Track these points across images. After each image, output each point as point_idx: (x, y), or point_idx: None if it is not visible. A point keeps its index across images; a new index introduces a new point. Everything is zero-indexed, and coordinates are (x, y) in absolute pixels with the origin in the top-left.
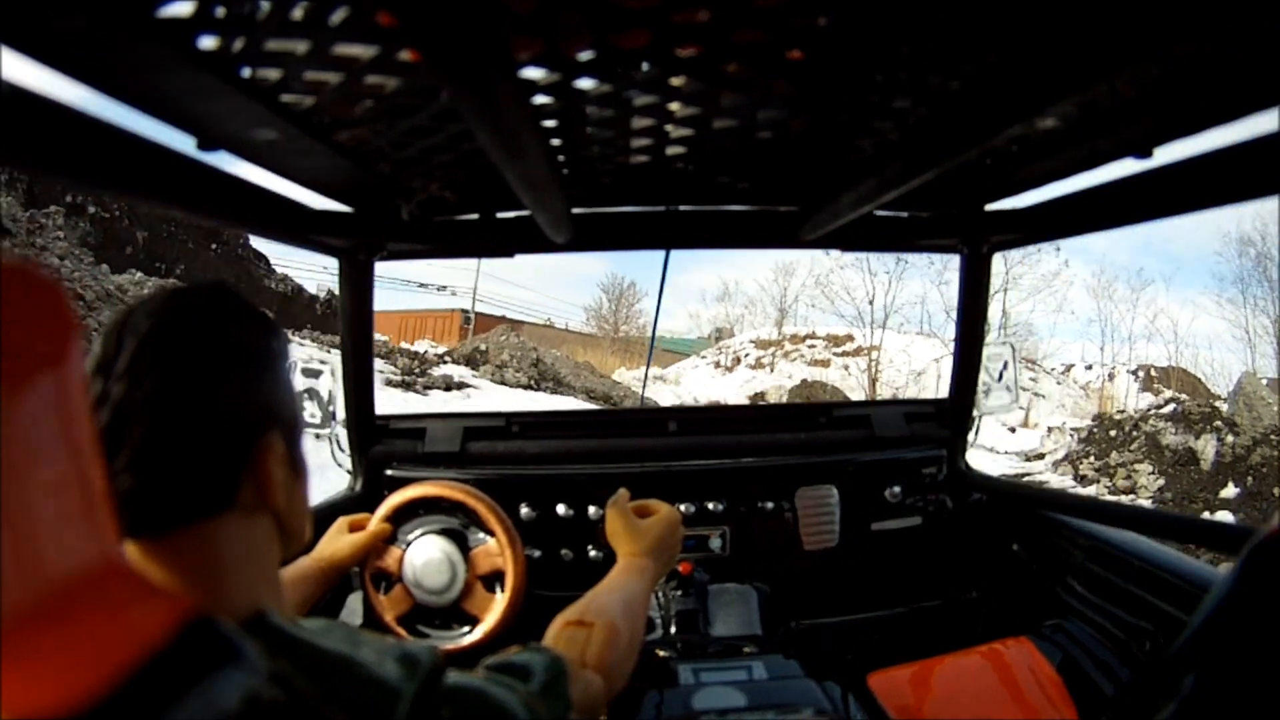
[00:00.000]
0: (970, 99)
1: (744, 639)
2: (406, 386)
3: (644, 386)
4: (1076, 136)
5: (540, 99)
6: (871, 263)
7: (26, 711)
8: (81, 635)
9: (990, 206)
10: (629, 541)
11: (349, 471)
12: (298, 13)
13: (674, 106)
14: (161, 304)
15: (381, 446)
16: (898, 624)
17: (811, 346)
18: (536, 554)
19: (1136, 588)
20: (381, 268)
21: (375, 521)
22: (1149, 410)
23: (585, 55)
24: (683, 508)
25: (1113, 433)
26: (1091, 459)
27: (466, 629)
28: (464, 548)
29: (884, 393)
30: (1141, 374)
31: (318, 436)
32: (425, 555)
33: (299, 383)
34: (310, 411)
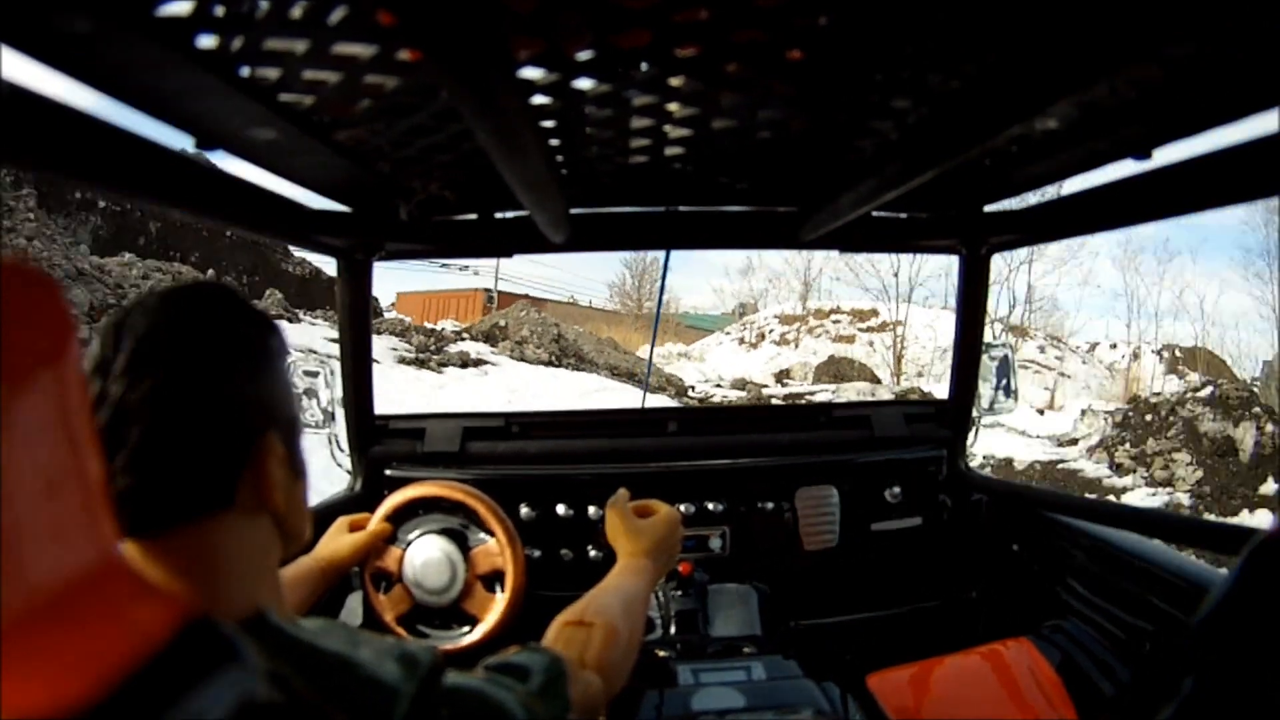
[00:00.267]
0: (970, 99)
1: (743, 639)
2: (420, 364)
3: (645, 387)
4: (1076, 137)
5: (540, 99)
6: None
7: (25, 712)
8: (80, 635)
9: (990, 207)
10: (629, 541)
11: (348, 471)
12: (297, 12)
13: (673, 106)
14: (160, 303)
15: (381, 446)
16: (897, 624)
17: (836, 322)
18: (536, 554)
19: (1136, 588)
20: None
21: (375, 521)
22: (1185, 394)
23: (585, 55)
24: (682, 508)
25: (1148, 417)
26: (1127, 446)
27: (466, 629)
28: (464, 548)
29: (909, 369)
30: (1166, 355)
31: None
32: (425, 555)
33: (299, 382)
34: (310, 411)
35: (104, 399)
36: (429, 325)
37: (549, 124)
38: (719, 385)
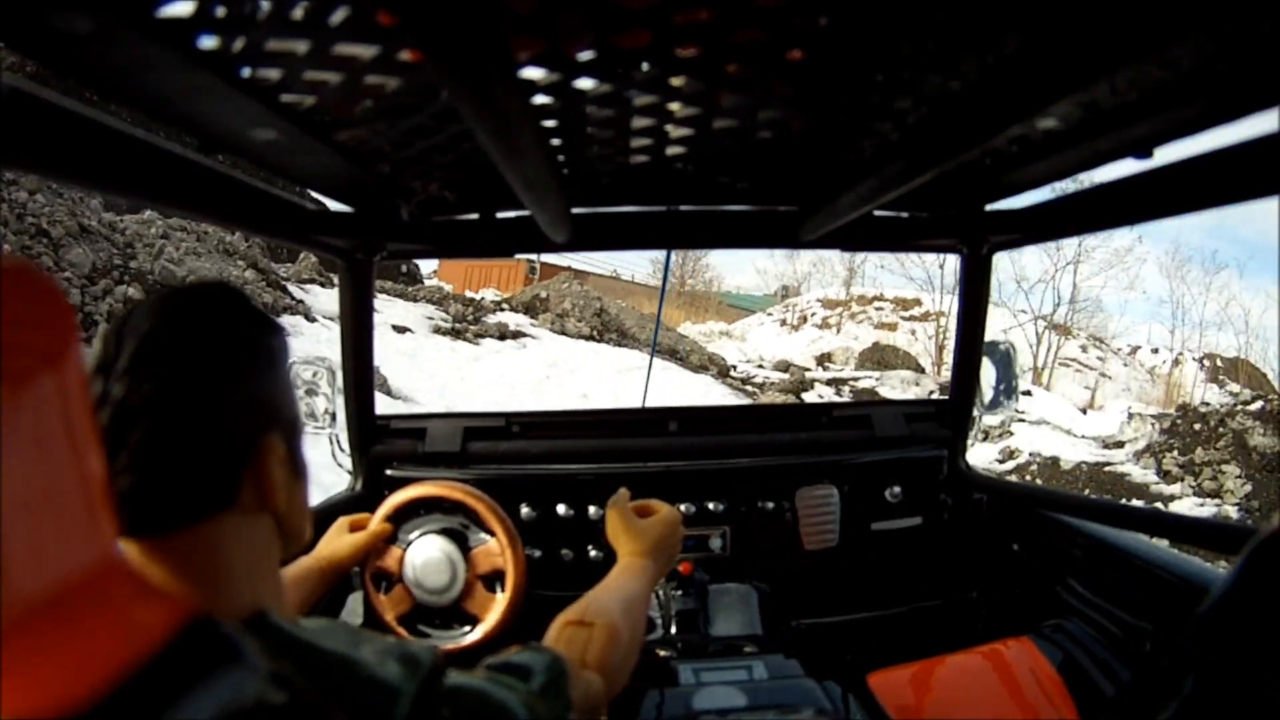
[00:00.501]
0: (970, 99)
1: (744, 639)
2: (456, 334)
3: (645, 387)
4: (1076, 136)
5: (540, 99)
6: None
7: (27, 711)
8: (82, 635)
9: (990, 206)
10: (629, 541)
11: (349, 471)
12: (298, 12)
13: (674, 106)
14: (162, 303)
15: (382, 446)
16: (898, 624)
17: (879, 309)
18: (537, 554)
19: (1137, 588)
20: None
21: (376, 521)
22: (1235, 406)
23: (585, 55)
24: (683, 508)
25: (1197, 426)
26: (1175, 453)
27: (467, 629)
28: (464, 547)
29: (949, 360)
30: (1208, 363)
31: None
32: (425, 555)
33: (299, 382)
34: (310, 411)
35: (106, 399)
36: (469, 294)
37: (550, 124)
38: (761, 366)
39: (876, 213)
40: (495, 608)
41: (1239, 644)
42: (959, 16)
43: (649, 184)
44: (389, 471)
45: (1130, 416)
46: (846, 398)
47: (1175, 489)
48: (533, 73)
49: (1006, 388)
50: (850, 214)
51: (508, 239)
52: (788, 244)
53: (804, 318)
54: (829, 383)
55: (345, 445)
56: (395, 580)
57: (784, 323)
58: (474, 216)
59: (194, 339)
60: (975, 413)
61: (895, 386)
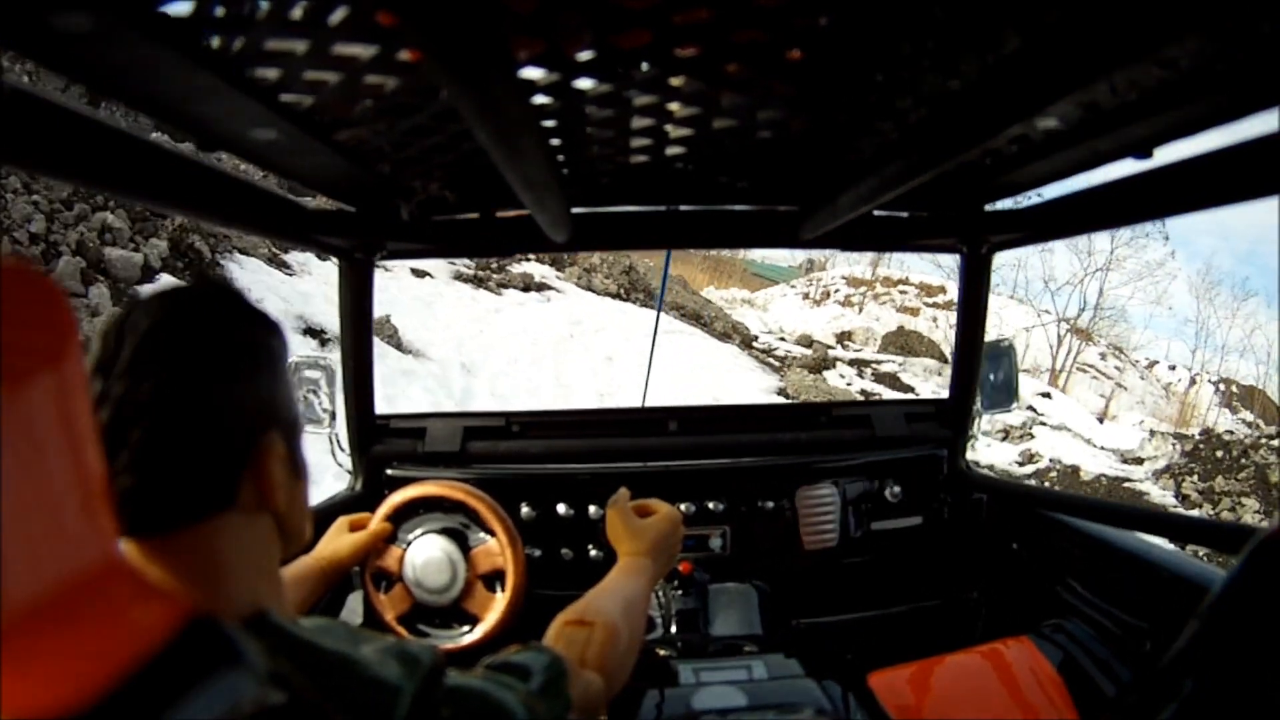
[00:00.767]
0: (970, 99)
1: (744, 638)
2: (479, 282)
3: (645, 387)
4: (1076, 136)
5: (540, 99)
6: None
7: (26, 712)
8: (81, 635)
9: (990, 206)
10: (629, 541)
11: (349, 471)
12: (297, 12)
13: (674, 106)
14: (162, 303)
15: (381, 446)
16: (898, 623)
17: (903, 292)
18: (537, 553)
19: (1137, 588)
20: None
21: (376, 521)
22: (1260, 439)
23: (585, 55)
24: (683, 507)
25: (1219, 454)
26: (1195, 479)
27: (467, 628)
28: (464, 547)
29: None
30: (1224, 388)
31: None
32: (425, 555)
33: (298, 381)
34: (310, 410)
35: (105, 399)
36: None
37: (550, 124)
38: (783, 339)
39: (876, 212)
40: (495, 607)
41: (1239, 644)
42: (959, 16)
43: (649, 184)
44: (389, 471)
45: (1151, 434)
46: (869, 380)
47: (1194, 514)
48: (533, 73)
49: (1007, 387)
50: (850, 213)
51: (508, 239)
52: (788, 244)
53: (827, 293)
54: (851, 363)
55: (345, 445)
56: (395, 580)
57: (807, 296)
58: (474, 216)
59: (194, 338)
60: (975, 412)
61: (918, 374)
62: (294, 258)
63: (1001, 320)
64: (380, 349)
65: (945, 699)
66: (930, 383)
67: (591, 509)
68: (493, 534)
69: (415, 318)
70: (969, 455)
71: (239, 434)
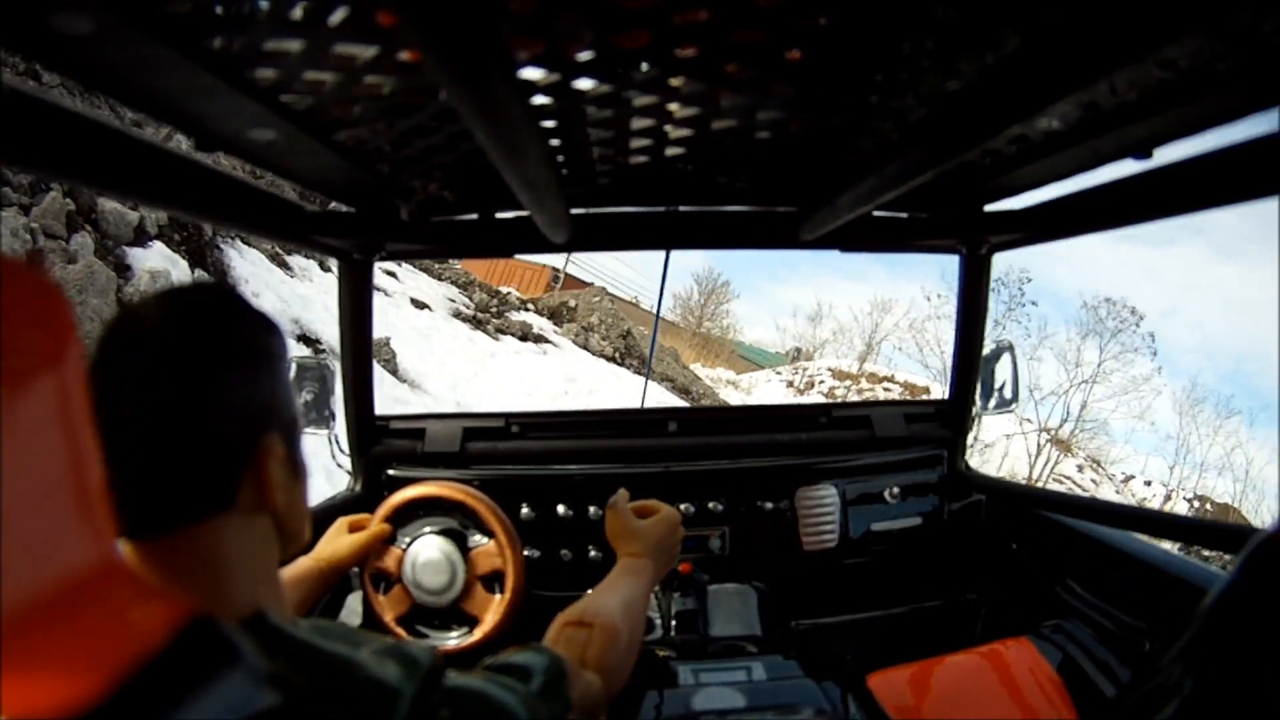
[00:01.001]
0: (970, 99)
1: (743, 639)
2: (477, 324)
3: (645, 387)
4: (1076, 137)
5: (540, 99)
6: None
7: (26, 712)
8: (81, 636)
9: (990, 207)
10: (629, 542)
11: (349, 472)
12: (297, 12)
13: (674, 107)
14: (161, 304)
15: (381, 447)
16: (897, 624)
17: (888, 390)
18: (536, 554)
19: (1136, 588)
20: None
21: (375, 522)
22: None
23: (585, 55)
24: (682, 508)
25: None
26: None
27: (466, 629)
28: (463, 548)
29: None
30: (1198, 504)
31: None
32: (425, 556)
33: (298, 382)
34: (309, 410)
35: (105, 399)
36: (498, 288)
37: (549, 124)
38: None
39: (876, 213)
40: (494, 608)
41: (1239, 644)
42: (959, 16)
43: (649, 184)
44: (388, 472)
45: None
46: None
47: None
48: (533, 73)
49: (1009, 388)
50: (849, 214)
51: (507, 239)
52: (788, 244)
53: (811, 383)
54: None
55: (345, 445)
56: (394, 581)
57: (790, 384)
58: (473, 217)
59: (193, 339)
60: (975, 413)
61: None
62: (296, 260)
63: (983, 425)
64: (377, 372)
65: (945, 699)
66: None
67: (591, 510)
68: (492, 535)
69: (413, 348)
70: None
71: (238, 435)
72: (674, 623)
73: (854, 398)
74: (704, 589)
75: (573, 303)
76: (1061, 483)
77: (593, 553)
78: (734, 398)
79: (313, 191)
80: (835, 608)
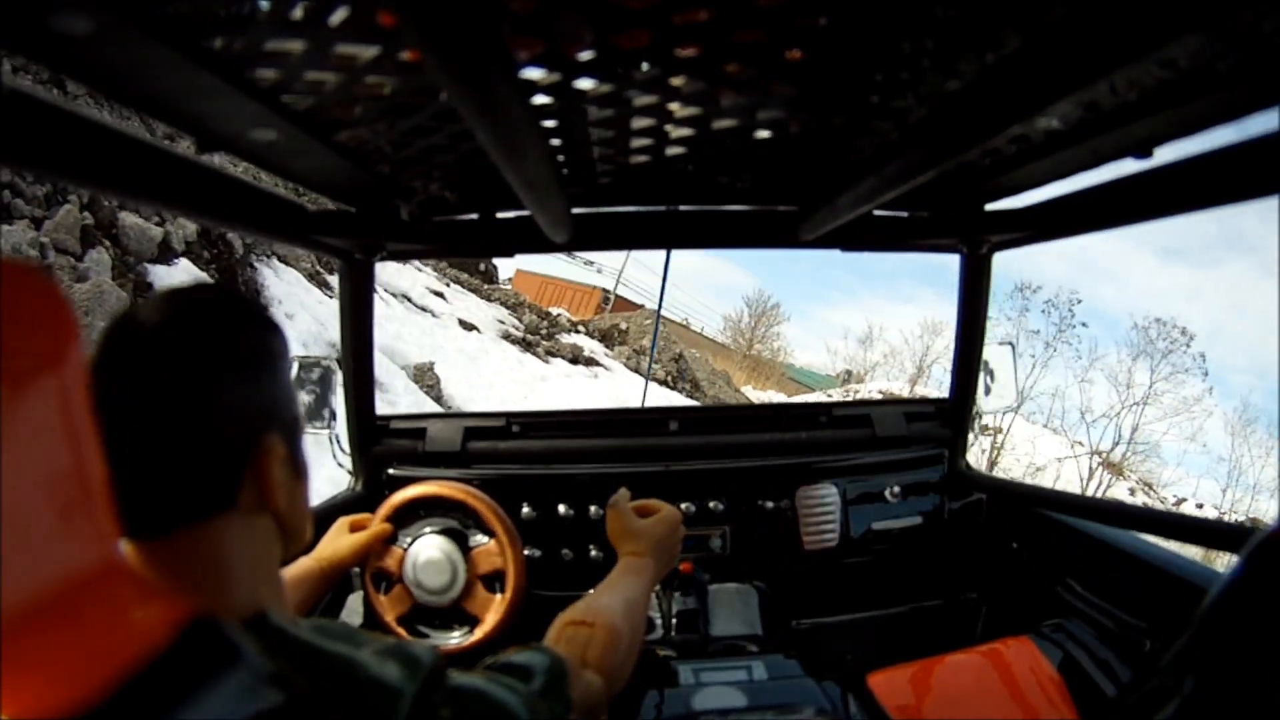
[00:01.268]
0: (970, 99)
1: (744, 639)
2: (528, 346)
3: (645, 387)
4: (1077, 136)
5: (540, 99)
6: (1021, 344)
7: (28, 712)
8: (83, 636)
9: (990, 206)
10: (629, 541)
11: (349, 471)
12: (298, 13)
13: (674, 106)
14: (162, 304)
15: (382, 446)
16: (898, 624)
17: None
18: (537, 554)
19: (1137, 587)
20: None
21: (376, 521)
22: None
23: (585, 55)
24: (683, 507)
25: None
26: None
27: (467, 629)
28: (464, 548)
29: (999, 475)
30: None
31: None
32: (426, 555)
33: (299, 382)
34: (310, 410)
35: (106, 400)
36: (548, 309)
37: (550, 124)
38: None
39: (876, 212)
40: (495, 608)
41: (1239, 644)
42: (959, 16)
43: (649, 184)
44: (389, 471)
45: None
46: None
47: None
48: (533, 73)
49: (1009, 387)
50: (850, 213)
51: (508, 239)
52: (788, 244)
53: None
54: None
55: (345, 445)
56: (395, 580)
57: None
58: (474, 216)
59: (194, 339)
60: (975, 413)
61: None
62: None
63: (1035, 448)
64: (419, 398)
65: (945, 699)
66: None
67: (592, 509)
68: (493, 534)
69: (459, 370)
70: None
71: (240, 435)
72: (675, 622)
73: None
74: (705, 588)
75: (624, 325)
76: None
77: (593, 552)
78: None
79: (313, 192)
80: (836, 607)
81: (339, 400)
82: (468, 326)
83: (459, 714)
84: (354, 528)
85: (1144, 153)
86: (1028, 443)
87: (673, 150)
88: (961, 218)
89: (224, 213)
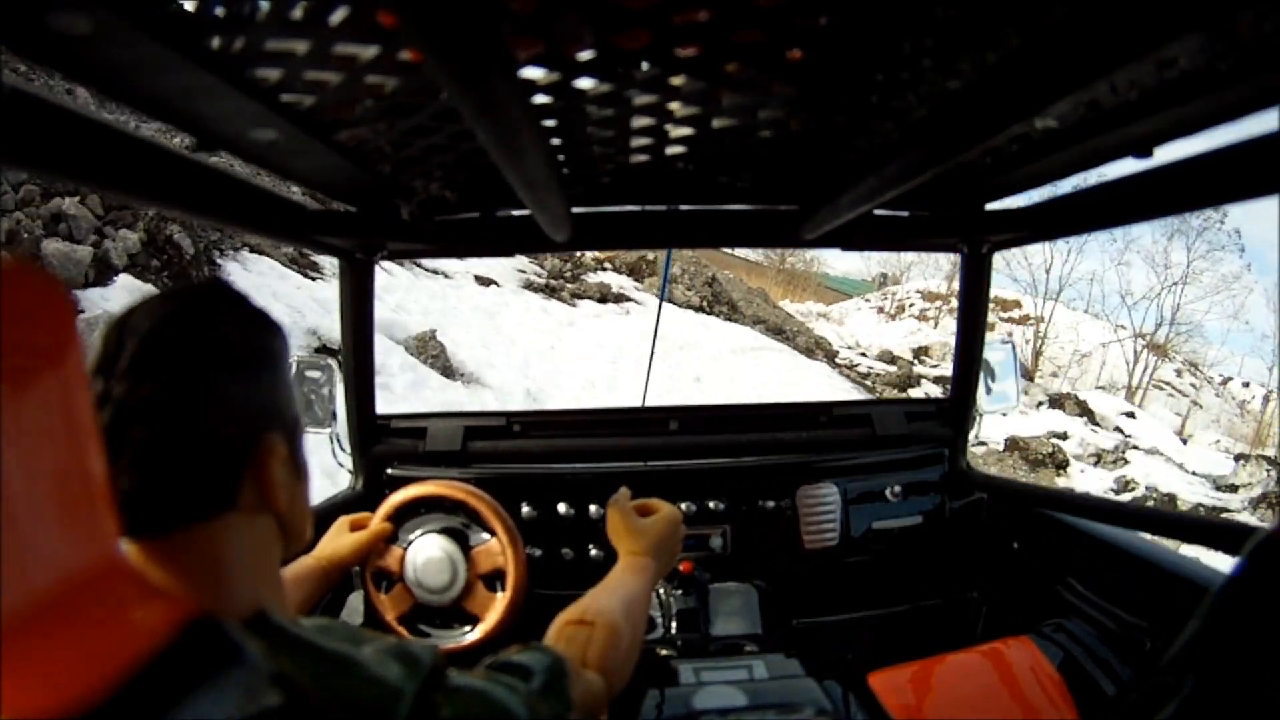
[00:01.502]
0: (971, 98)
1: (745, 638)
2: (551, 292)
3: (645, 387)
4: (1077, 135)
5: (540, 99)
6: None
7: (28, 712)
8: (83, 635)
9: (990, 206)
10: (630, 540)
11: (350, 471)
12: (298, 12)
13: (674, 106)
14: (162, 304)
15: (382, 446)
16: (898, 623)
17: None
18: (537, 553)
19: (1137, 587)
20: None
21: (376, 521)
22: None
23: (585, 55)
24: (684, 506)
25: None
26: None
27: (467, 628)
28: (465, 547)
29: (1045, 368)
30: None
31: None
32: (426, 554)
33: (300, 381)
34: (310, 410)
35: (106, 399)
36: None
37: (550, 124)
38: (864, 354)
39: (877, 211)
40: (496, 607)
41: (1239, 644)
42: (959, 16)
43: (649, 183)
44: (389, 471)
45: (1242, 459)
46: None
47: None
48: (533, 73)
49: (1009, 386)
50: (850, 213)
51: (509, 238)
52: (788, 243)
53: (901, 308)
54: (936, 380)
55: (346, 444)
56: (396, 580)
57: (881, 310)
58: (474, 216)
59: (194, 339)
60: (975, 412)
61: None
62: (328, 261)
63: (1079, 335)
64: (420, 374)
65: (946, 698)
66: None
67: (592, 508)
68: (493, 534)
69: (474, 333)
70: (968, 455)
71: (240, 435)
72: (675, 622)
73: (946, 318)
74: (705, 588)
75: (651, 255)
76: (1162, 389)
77: (594, 551)
78: (827, 329)
79: (314, 191)
80: (836, 606)
81: (339, 400)
82: (485, 282)
83: (459, 713)
84: (354, 527)
85: (1144, 153)
86: (1070, 330)
87: (673, 150)
88: (962, 217)
89: (224, 212)
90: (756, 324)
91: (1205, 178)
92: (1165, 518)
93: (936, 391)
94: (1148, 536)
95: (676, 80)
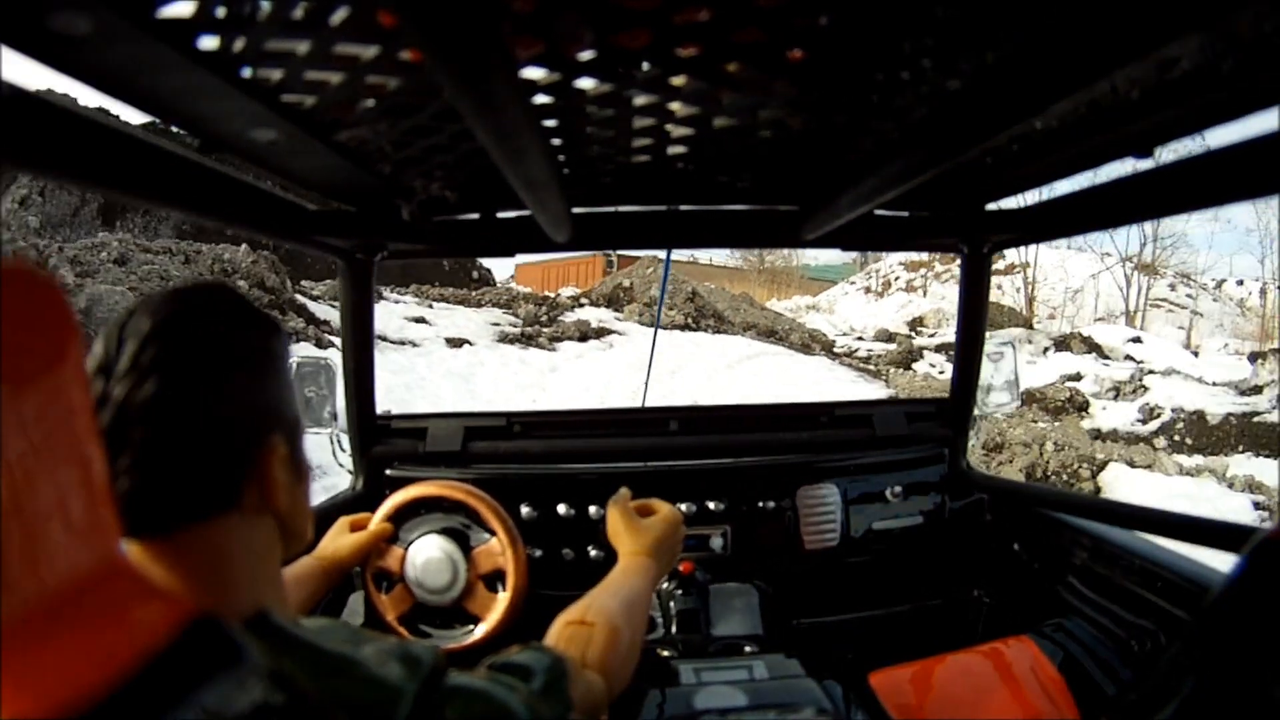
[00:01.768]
0: (970, 98)
1: (745, 638)
2: (528, 340)
3: (645, 387)
4: (1077, 135)
5: (540, 99)
6: None
7: (29, 712)
8: (84, 635)
9: (990, 206)
10: (630, 541)
11: (350, 471)
12: (298, 12)
13: (674, 106)
14: (162, 305)
15: (383, 446)
16: (899, 623)
17: (962, 266)
18: (538, 553)
19: (1138, 587)
20: None
21: (376, 521)
22: None
23: (585, 55)
24: (684, 507)
25: None
26: None
27: (468, 628)
28: (465, 547)
29: (1041, 311)
30: None
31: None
32: (426, 555)
33: (300, 382)
34: (311, 410)
35: (107, 400)
36: (537, 293)
37: (550, 124)
38: (860, 338)
39: (877, 212)
40: (496, 607)
41: (1239, 644)
42: (959, 16)
43: (650, 183)
44: (390, 471)
45: (1258, 358)
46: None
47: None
48: (533, 73)
49: (1009, 386)
50: (851, 213)
51: (509, 238)
52: (789, 243)
53: (888, 283)
54: (938, 349)
55: (346, 445)
56: (396, 580)
57: (868, 290)
58: (475, 216)
59: (195, 340)
60: (976, 412)
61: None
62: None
63: (1067, 273)
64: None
65: (946, 698)
66: (1023, 352)
67: (592, 509)
68: (494, 534)
69: (447, 403)
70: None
71: (241, 436)
72: (675, 622)
73: (934, 284)
74: (705, 588)
75: (628, 282)
76: (1159, 306)
77: (594, 552)
78: (819, 320)
79: (314, 192)
80: (837, 607)
81: (339, 400)
82: (456, 344)
83: (460, 714)
84: (354, 527)
85: (1144, 153)
86: (1058, 268)
87: (673, 150)
88: (962, 217)
89: (224, 212)
90: (747, 330)
91: (1205, 178)
92: (1165, 518)
93: (940, 361)
94: (1148, 537)
95: (677, 80)
